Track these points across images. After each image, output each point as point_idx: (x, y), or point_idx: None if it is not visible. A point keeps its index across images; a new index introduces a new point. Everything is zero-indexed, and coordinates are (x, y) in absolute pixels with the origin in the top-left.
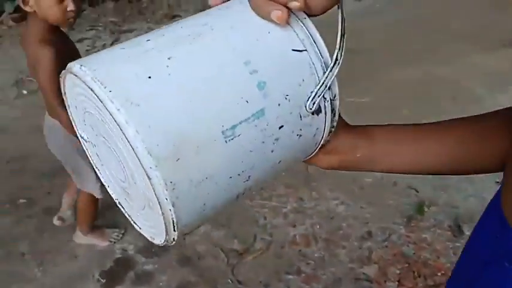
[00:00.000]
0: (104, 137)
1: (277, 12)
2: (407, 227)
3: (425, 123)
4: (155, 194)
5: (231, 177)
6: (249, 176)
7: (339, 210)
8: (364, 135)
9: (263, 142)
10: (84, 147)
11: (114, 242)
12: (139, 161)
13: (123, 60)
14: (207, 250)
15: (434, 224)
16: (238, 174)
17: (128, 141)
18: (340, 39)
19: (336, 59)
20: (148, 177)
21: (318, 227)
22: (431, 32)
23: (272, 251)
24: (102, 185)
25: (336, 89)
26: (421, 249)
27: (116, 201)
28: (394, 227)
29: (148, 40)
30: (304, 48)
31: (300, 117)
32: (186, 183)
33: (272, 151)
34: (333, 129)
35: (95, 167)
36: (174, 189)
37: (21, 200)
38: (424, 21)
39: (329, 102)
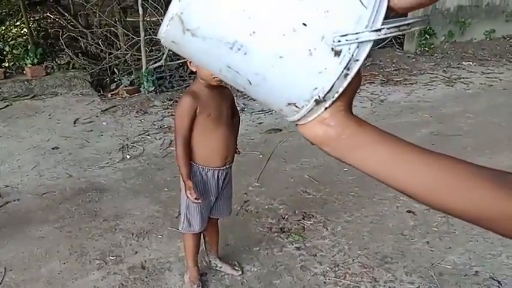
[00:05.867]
0: None
1: None
2: None
3: (427, 150)
4: None
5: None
6: (254, 32)
7: None
8: (357, 122)
9: (284, 22)
10: None
11: None
12: None
13: None
14: None
15: None
16: (243, 18)
17: None
18: (394, 29)
19: (380, 29)
20: None
21: None
22: None
23: None
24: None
25: (362, 56)
26: None
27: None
28: None
29: None
30: (365, 6)
31: (322, 38)
32: None
33: (284, 34)
34: (336, 94)
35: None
36: None
37: (110, 257)
38: None
39: (350, 56)
